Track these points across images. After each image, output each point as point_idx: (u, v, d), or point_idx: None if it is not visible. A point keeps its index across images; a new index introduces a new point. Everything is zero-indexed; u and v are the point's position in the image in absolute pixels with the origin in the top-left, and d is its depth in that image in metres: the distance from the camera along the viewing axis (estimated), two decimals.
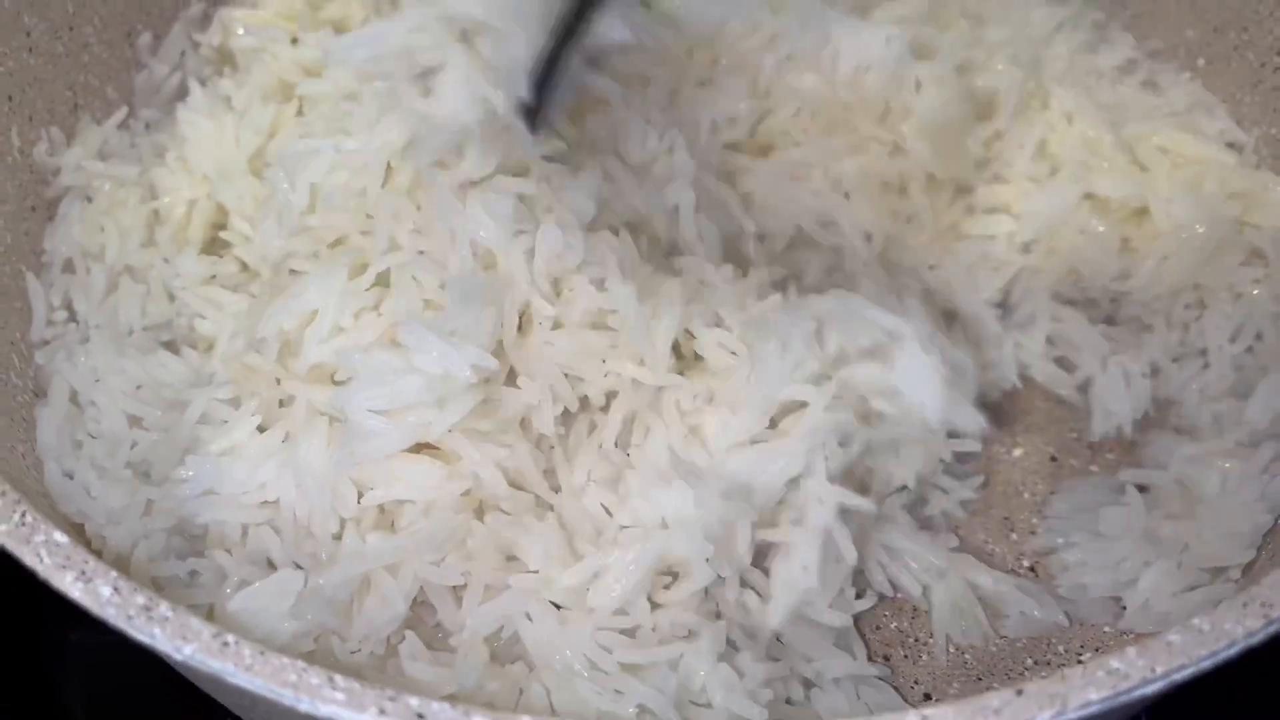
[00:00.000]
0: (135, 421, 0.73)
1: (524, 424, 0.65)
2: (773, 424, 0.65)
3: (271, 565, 0.65)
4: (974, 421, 0.67)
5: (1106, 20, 0.97)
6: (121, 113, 0.88)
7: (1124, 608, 0.71)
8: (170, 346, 0.79)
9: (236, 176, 0.81)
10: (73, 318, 0.80)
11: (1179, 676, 0.46)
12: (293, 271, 0.72)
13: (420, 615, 0.65)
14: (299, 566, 0.64)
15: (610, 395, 0.67)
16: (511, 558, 0.65)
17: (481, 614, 0.63)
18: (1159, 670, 0.45)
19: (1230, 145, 0.88)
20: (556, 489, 0.66)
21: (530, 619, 0.62)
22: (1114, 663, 0.46)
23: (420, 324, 0.63)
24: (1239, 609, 0.48)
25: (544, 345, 0.66)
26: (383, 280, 0.68)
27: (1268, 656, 0.48)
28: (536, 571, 0.64)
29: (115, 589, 0.48)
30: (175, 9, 0.93)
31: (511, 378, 0.66)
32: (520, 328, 0.66)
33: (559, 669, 0.60)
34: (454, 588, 0.64)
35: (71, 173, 0.83)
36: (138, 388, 0.74)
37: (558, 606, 0.63)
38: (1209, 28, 0.91)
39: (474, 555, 0.64)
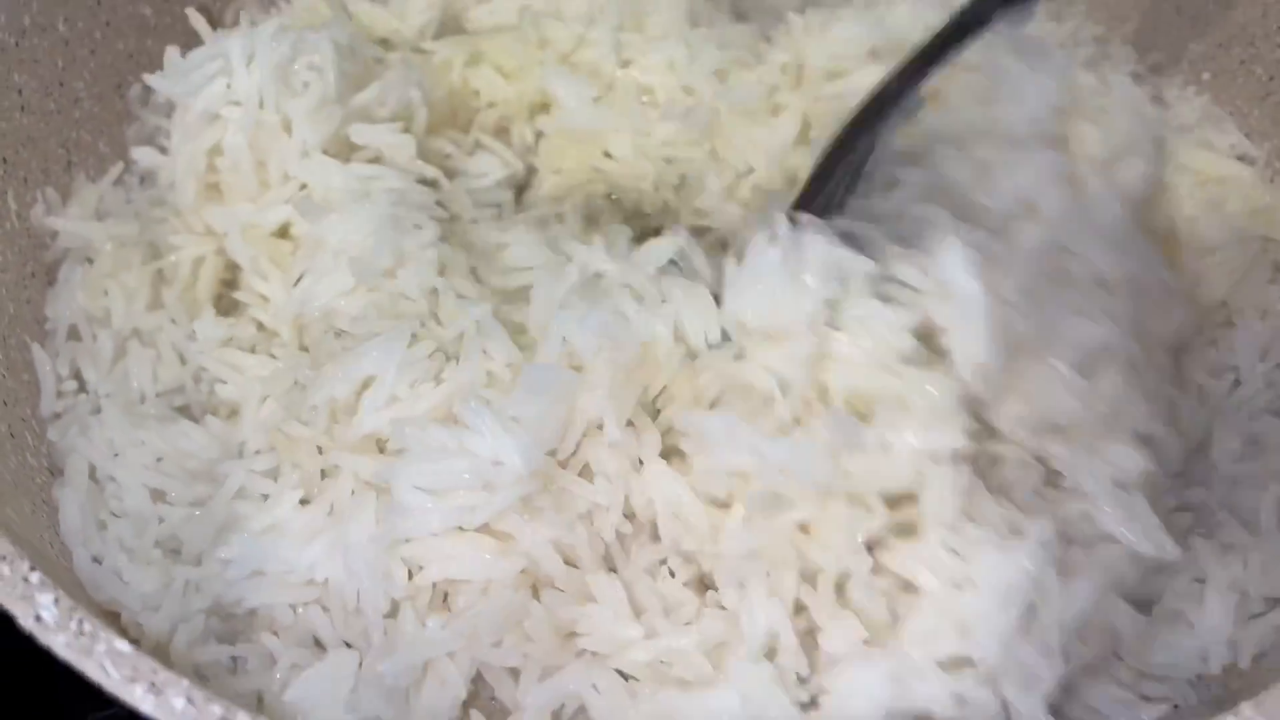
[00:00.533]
0: (159, 496, 0.70)
1: (585, 518, 0.64)
2: None
3: (319, 645, 0.63)
4: None
5: (1107, 35, 0.97)
6: (117, 168, 0.85)
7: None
8: (185, 413, 0.76)
9: (252, 234, 0.78)
10: (82, 388, 0.77)
11: None
12: (338, 333, 0.69)
13: (478, 691, 0.62)
14: (348, 645, 0.62)
15: None
16: (570, 635, 0.63)
17: (543, 691, 0.61)
18: None
19: (1242, 159, 0.88)
20: (612, 569, 0.64)
21: (597, 690, 0.60)
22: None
23: (481, 404, 0.61)
24: None
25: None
26: (445, 349, 0.66)
27: None
28: (595, 653, 0.62)
29: (189, 700, 0.46)
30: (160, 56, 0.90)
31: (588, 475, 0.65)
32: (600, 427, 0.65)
33: None
34: (511, 669, 0.62)
35: (70, 235, 0.80)
36: (158, 460, 0.71)
37: (625, 677, 0.61)
38: (1213, 42, 0.91)
39: (532, 636, 0.61)
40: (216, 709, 0.45)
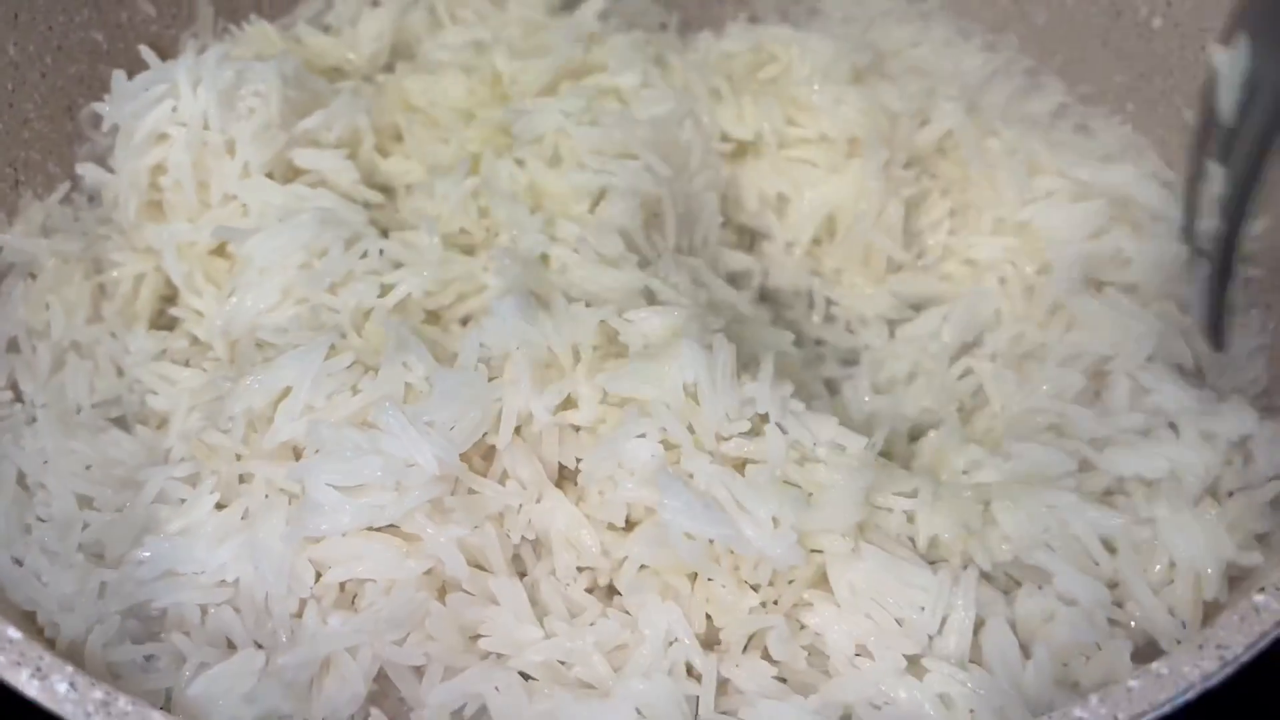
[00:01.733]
0: (86, 502, 0.72)
1: (497, 519, 0.65)
2: None
3: (232, 646, 0.64)
4: None
5: (1038, 67, 1.00)
6: (64, 187, 0.88)
7: None
8: (120, 423, 0.78)
9: (189, 252, 0.81)
10: (18, 398, 0.78)
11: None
12: (260, 344, 0.71)
13: (384, 689, 0.64)
14: (259, 646, 0.63)
15: None
16: (475, 637, 0.64)
17: (445, 690, 0.62)
18: (1120, 717, 0.46)
19: (1165, 185, 0.90)
20: (523, 574, 0.66)
21: (498, 690, 0.61)
22: (1078, 711, 0.46)
23: (396, 408, 0.63)
24: (1195, 651, 0.49)
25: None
26: (365, 360, 0.68)
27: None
28: (501, 655, 0.63)
29: (71, 684, 0.47)
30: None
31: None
32: (519, 430, 0.67)
33: None
34: (415, 667, 0.63)
35: (14, 250, 0.82)
36: (88, 467, 0.73)
37: (526, 678, 0.62)
38: (1136, 74, 0.94)
39: (435, 636, 0.63)
40: (98, 693, 0.47)
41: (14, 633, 0.49)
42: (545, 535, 0.66)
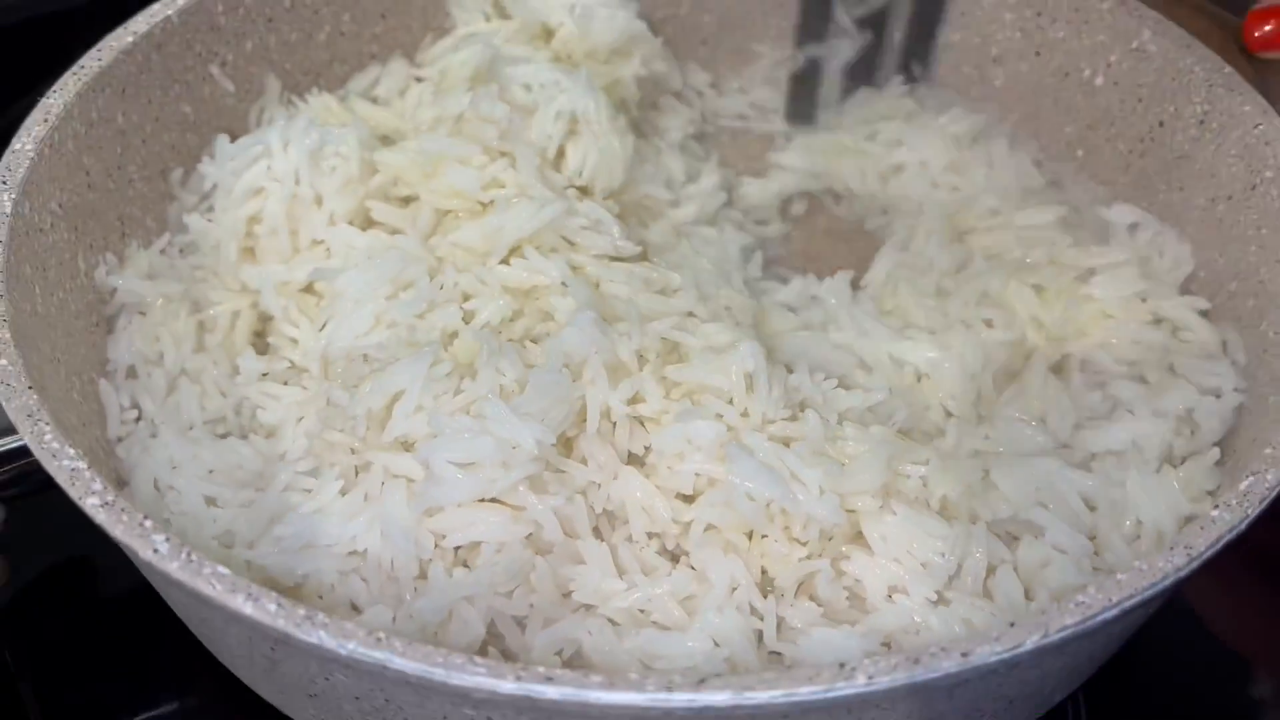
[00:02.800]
0: (211, 502, 0.83)
1: (583, 492, 0.78)
2: None
3: (357, 610, 0.75)
4: None
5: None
6: (163, 240, 1.00)
7: None
8: (227, 438, 0.89)
9: (284, 289, 0.93)
10: (140, 416, 0.90)
11: (1129, 604, 0.59)
12: (366, 359, 0.83)
13: (493, 639, 0.75)
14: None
15: None
16: (566, 593, 0.76)
17: (547, 636, 0.73)
18: (1115, 599, 0.59)
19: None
20: (602, 541, 0.78)
21: (590, 634, 0.73)
22: (1080, 597, 0.59)
23: (498, 401, 0.76)
24: (1167, 552, 0.62)
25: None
26: (461, 368, 0.80)
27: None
28: (590, 606, 0.75)
29: (279, 605, 0.58)
30: (202, 147, 1.05)
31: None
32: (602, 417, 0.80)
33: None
34: (518, 619, 0.75)
35: (127, 291, 0.94)
36: (210, 471, 0.84)
37: (613, 624, 0.74)
38: (1083, 125, 1.10)
39: (537, 589, 0.74)
40: (301, 610, 0.58)
41: (223, 569, 0.60)
42: (620, 507, 0.78)
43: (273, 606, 0.58)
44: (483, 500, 0.75)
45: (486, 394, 0.77)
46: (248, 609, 0.58)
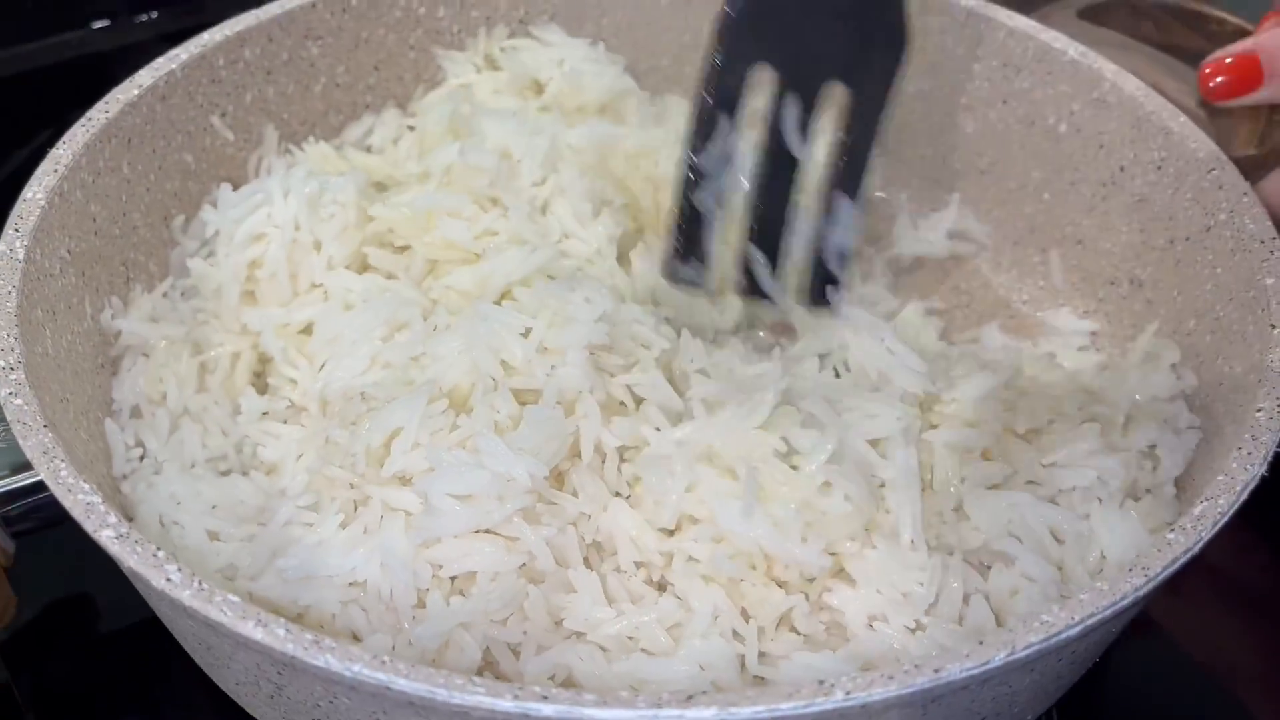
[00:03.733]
0: (214, 536, 0.86)
1: (574, 524, 0.82)
2: None
3: (356, 639, 0.78)
4: None
5: None
6: (165, 284, 1.03)
7: None
8: (228, 476, 0.92)
9: (284, 331, 0.97)
10: (145, 454, 0.93)
11: (1091, 622, 0.63)
12: (364, 397, 0.87)
13: (488, 665, 0.78)
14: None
15: None
16: (558, 621, 0.79)
17: (539, 662, 0.76)
18: (1077, 617, 0.63)
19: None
20: (591, 569, 0.81)
21: (581, 659, 0.76)
22: (1045, 616, 0.63)
23: (493, 436, 0.79)
24: (1125, 573, 0.66)
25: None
26: (457, 405, 0.84)
27: None
28: (580, 633, 0.78)
29: (288, 629, 0.61)
30: (203, 194, 1.09)
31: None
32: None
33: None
34: (512, 646, 0.78)
35: (131, 334, 0.97)
36: (213, 507, 0.87)
37: (603, 650, 0.77)
38: (1050, 170, 1.15)
39: (529, 617, 0.78)
40: (308, 635, 0.61)
41: (233, 597, 0.63)
42: (609, 539, 0.82)
43: (281, 631, 0.62)
44: (478, 531, 0.78)
45: (481, 429, 0.81)
46: (258, 634, 0.61)
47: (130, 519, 0.87)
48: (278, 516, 0.83)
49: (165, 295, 1.03)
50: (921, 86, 1.20)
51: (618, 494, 0.84)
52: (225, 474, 0.93)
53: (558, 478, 0.84)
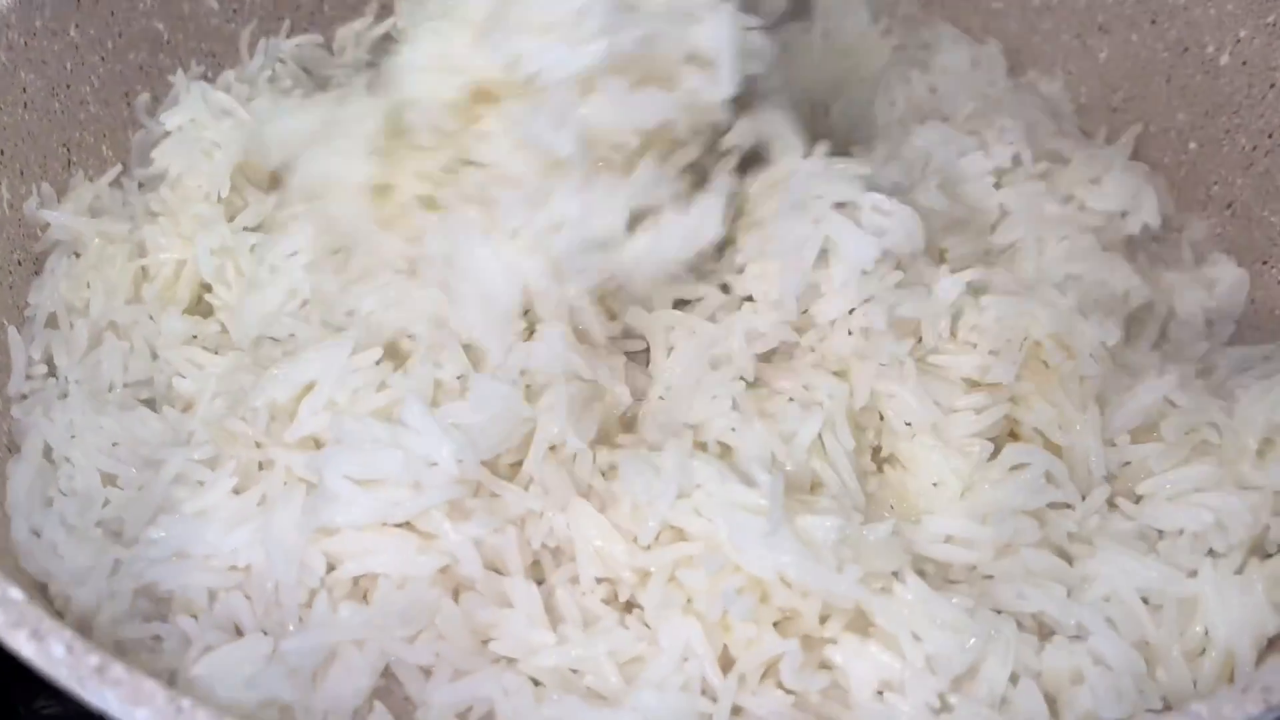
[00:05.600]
0: (109, 479, 0.72)
1: (518, 523, 0.64)
2: None
3: (240, 632, 0.63)
4: None
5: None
6: (115, 170, 0.88)
7: None
8: (150, 405, 0.78)
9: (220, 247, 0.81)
10: (52, 373, 0.79)
11: None
12: (277, 340, 0.71)
13: (390, 686, 0.62)
14: (266, 634, 0.62)
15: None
16: (486, 640, 0.63)
17: (452, 691, 0.60)
18: None
19: None
20: (540, 581, 0.64)
21: (506, 694, 0.60)
22: None
23: (421, 404, 0.62)
24: (1239, 695, 0.46)
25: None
26: (393, 356, 0.67)
27: None
28: (511, 659, 0.62)
29: (69, 649, 0.46)
30: (173, 69, 0.93)
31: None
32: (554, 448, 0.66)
33: None
34: (423, 666, 0.62)
35: (61, 228, 0.83)
36: (114, 445, 0.73)
37: (536, 683, 0.60)
38: (1200, 111, 0.91)
39: (445, 635, 0.62)
40: (93, 659, 0.46)
41: (16, 593, 0.48)
42: (567, 543, 0.64)
43: (59, 650, 0.46)
44: (387, 525, 0.62)
45: (411, 394, 0.64)
46: (28, 650, 0.46)
47: (15, 449, 0.73)
48: (166, 468, 0.68)
49: (115, 184, 0.88)
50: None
51: (591, 487, 0.66)
52: (147, 401, 0.78)
53: (513, 461, 0.67)
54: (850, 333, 0.73)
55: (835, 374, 0.73)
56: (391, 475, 0.61)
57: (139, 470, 0.72)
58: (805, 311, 0.73)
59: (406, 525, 0.62)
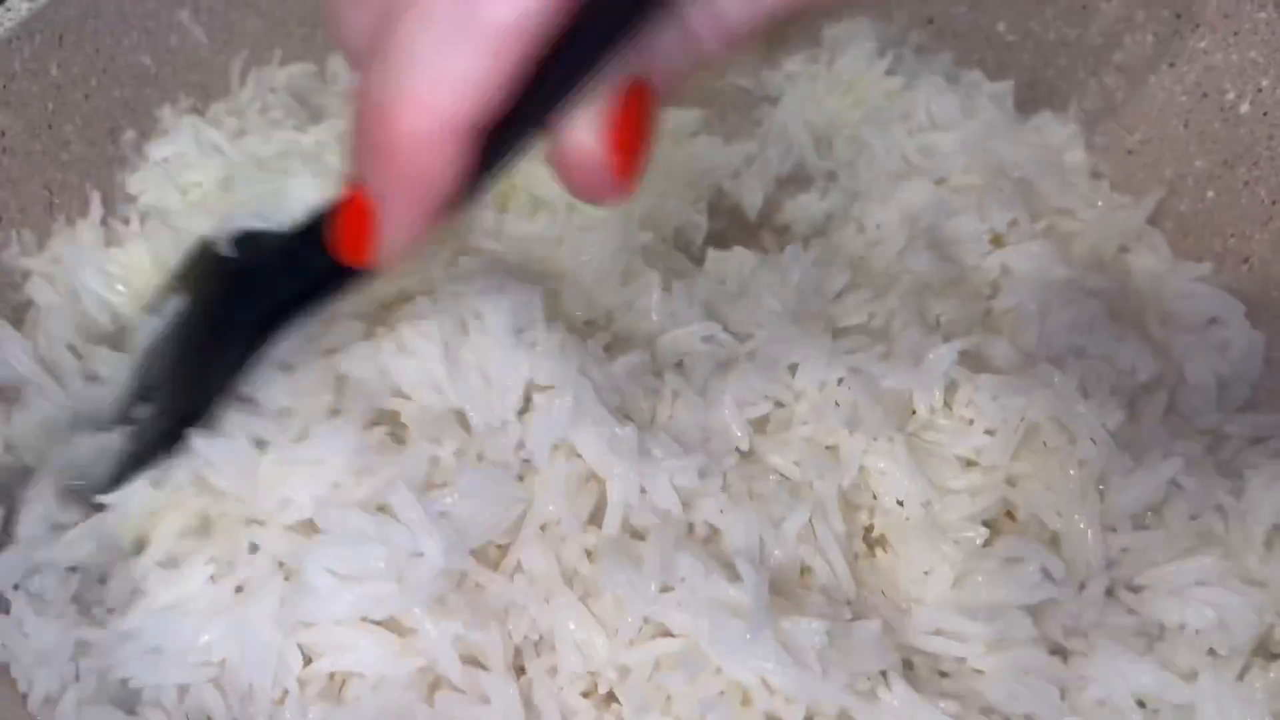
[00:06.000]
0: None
1: (501, 615, 0.62)
2: None
3: None
4: None
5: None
6: (96, 213, 0.86)
7: None
8: None
9: None
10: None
11: None
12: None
13: None
14: None
15: None
16: None
17: None
18: None
19: None
20: (521, 669, 0.62)
21: None
22: None
23: (410, 491, 0.60)
24: None
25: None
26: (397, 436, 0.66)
27: None
28: None
29: None
30: (160, 103, 0.91)
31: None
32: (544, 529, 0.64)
33: None
34: None
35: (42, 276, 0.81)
36: None
37: None
38: (1218, 160, 0.88)
39: None
40: None
41: None
42: (549, 635, 0.63)
43: None
44: (367, 620, 0.60)
45: (398, 479, 0.62)
46: None
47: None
48: (148, 552, 0.66)
49: (103, 224, 0.87)
50: (1063, 33, 0.94)
51: (576, 571, 0.65)
52: None
53: (502, 544, 0.65)
54: (838, 404, 0.71)
55: (828, 448, 0.71)
56: (375, 571, 0.59)
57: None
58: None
59: (389, 621, 0.61)
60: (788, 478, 0.69)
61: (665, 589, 0.62)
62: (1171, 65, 0.90)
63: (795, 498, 0.67)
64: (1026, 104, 0.97)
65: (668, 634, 0.62)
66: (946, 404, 0.71)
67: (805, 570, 0.66)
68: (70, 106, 0.85)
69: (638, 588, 0.61)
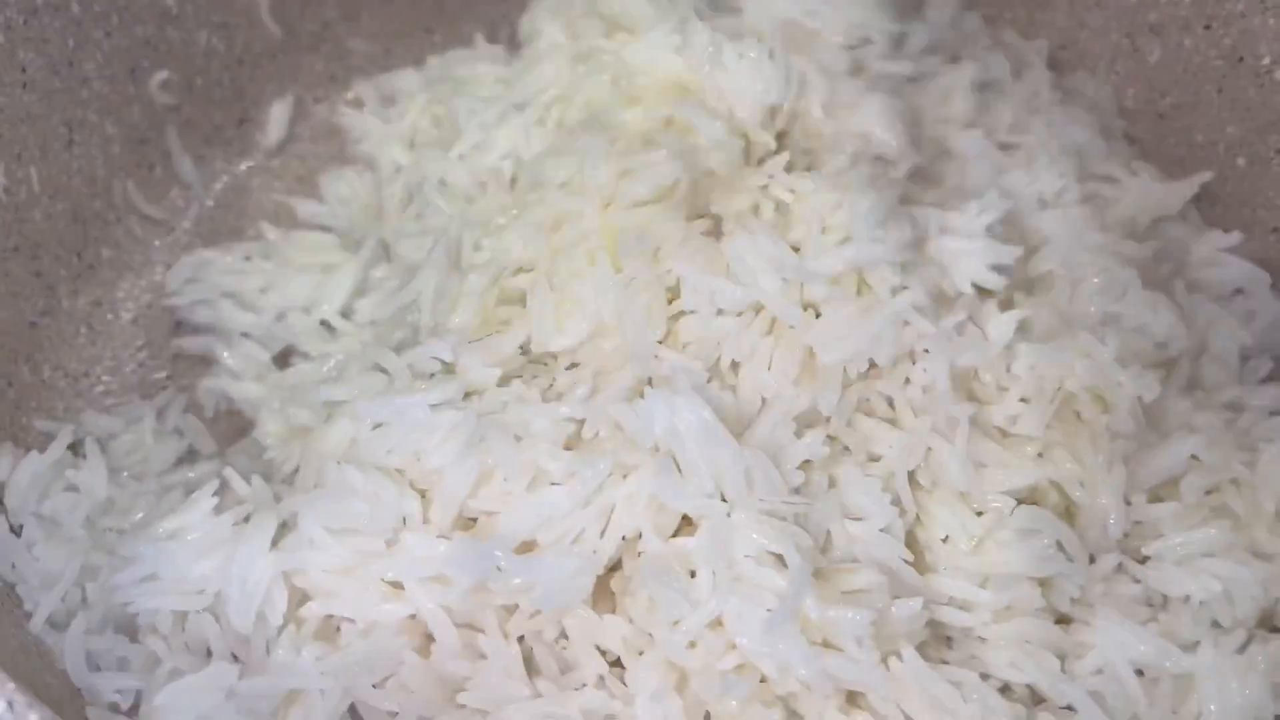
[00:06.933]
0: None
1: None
2: None
3: (210, 654, 0.63)
4: None
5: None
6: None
7: None
8: None
9: None
10: None
11: None
12: None
13: None
14: (236, 658, 0.62)
15: None
16: (456, 689, 0.61)
17: None
18: None
19: None
20: (520, 638, 0.63)
21: None
22: None
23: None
24: None
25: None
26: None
27: None
28: (481, 710, 0.60)
29: (10, 704, 0.46)
30: (182, 42, 0.91)
31: None
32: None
33: None
34: (389, 712, 0.61)
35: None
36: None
37: None
38: (1251, 127, 0.86)
39: (408, 686, 0.60)
40: (34, 717, 0.45)
41: None
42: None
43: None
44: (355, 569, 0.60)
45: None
46: None
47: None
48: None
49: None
50: None
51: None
52: None
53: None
54: (908, 380, 0.69)
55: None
56: (363, 527, 0.60)
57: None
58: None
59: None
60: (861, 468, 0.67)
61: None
62: (1207, 28, 0.87)
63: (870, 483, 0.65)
64: (1060, 66, 0.95)
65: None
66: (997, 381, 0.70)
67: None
68: (91, 44, 0.85)
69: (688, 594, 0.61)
